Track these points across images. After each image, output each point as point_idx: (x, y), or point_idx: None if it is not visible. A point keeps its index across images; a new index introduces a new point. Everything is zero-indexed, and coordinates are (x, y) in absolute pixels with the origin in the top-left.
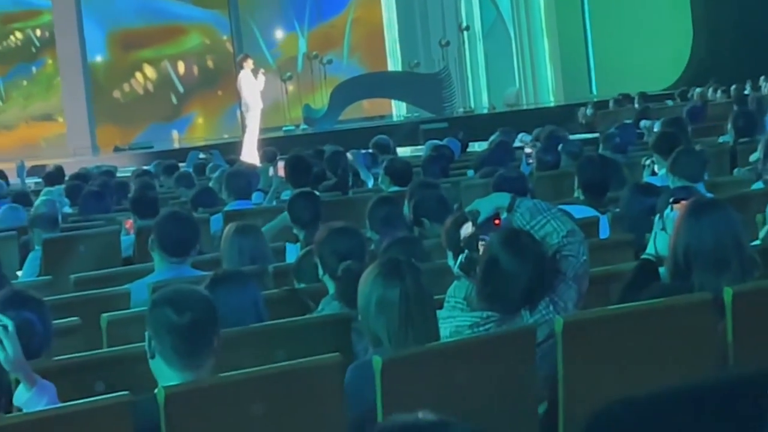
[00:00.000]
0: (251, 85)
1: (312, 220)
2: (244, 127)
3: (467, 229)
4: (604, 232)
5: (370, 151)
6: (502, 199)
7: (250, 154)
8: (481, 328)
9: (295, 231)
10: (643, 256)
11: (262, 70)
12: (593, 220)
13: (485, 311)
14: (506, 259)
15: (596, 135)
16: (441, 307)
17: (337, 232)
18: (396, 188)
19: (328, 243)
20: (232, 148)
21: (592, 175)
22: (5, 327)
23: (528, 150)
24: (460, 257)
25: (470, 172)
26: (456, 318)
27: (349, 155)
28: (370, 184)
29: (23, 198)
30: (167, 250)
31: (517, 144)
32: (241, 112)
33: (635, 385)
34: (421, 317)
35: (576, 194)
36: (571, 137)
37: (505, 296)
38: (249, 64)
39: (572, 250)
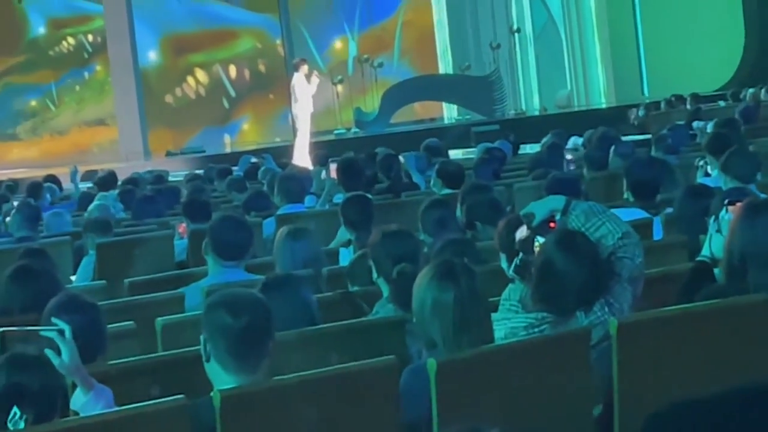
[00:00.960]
0: (304, 88)
1: (364, 224)
2: (295, 131)
3: (522, 232)
4: (658, 233)
5: (422, 153)
6: (557, 201)
7: (302, 158)
8: (536, 330)
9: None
10: (698, 258)
11: (316, 73)
12: (646, 222)
13: (540, 312)
14: (561, 260)
15: (648, 136)
16: (495, 310)
17: (392, 236)
18: (448, 191)
19: (382, 246)
20: (284, 151)
21: (641, 176)
22: (61, 332)
23: (569, 156)
24: (515, 260)
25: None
26: (511, 320)
27: (400, 158)
28: (422, 186)
29: (85, 201)
30: (221, 253)
31: (569, 146)
32: (293, 116)
33: (691, 388)
34: (476, 320)
35: (626, 196)
36: (623, 138)
37: (560, 298)
38: (304, 68)
39: (627, 252)
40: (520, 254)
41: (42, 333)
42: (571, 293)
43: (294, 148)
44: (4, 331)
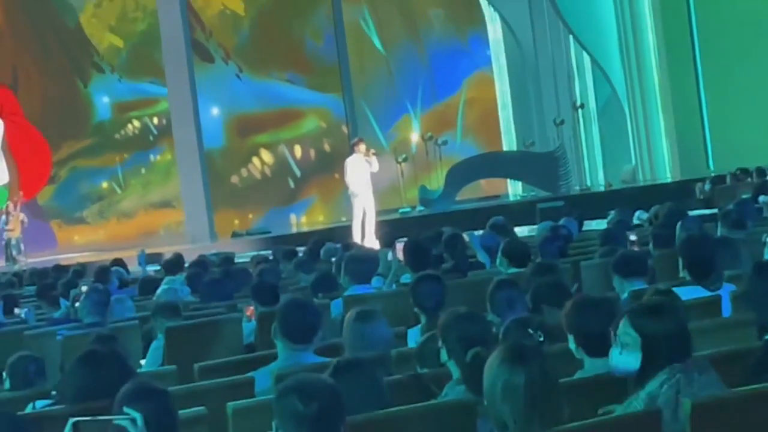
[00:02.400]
0: (359, 169)
1: (436, 305)
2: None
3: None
4: (726, 311)
5: (487, 231)
6: None
7: (357, 236)
8: (672, 381)
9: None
10: None
11: (372, 151)
12: (712, 300)
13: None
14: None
15: (715, 211)
16: (565, 391)
17: (463, 318)
18: (514, 270)
19: (453, 329)
20: (350, 231)
21: (695, 254)
22: (134, 420)
23: (633, 237)
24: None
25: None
26: (646, 387)
27: (465, 236)
28: (488, 265)
29: (146, 285)
30: (291, 337)
31: (635, 222)
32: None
33: None
34: (547, 402)
35: (681, 275)
36: (690, 213)
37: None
38: (360, 148)
39: None
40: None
41: (115, 422)
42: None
43: (352, 227)
44: (77, 421)
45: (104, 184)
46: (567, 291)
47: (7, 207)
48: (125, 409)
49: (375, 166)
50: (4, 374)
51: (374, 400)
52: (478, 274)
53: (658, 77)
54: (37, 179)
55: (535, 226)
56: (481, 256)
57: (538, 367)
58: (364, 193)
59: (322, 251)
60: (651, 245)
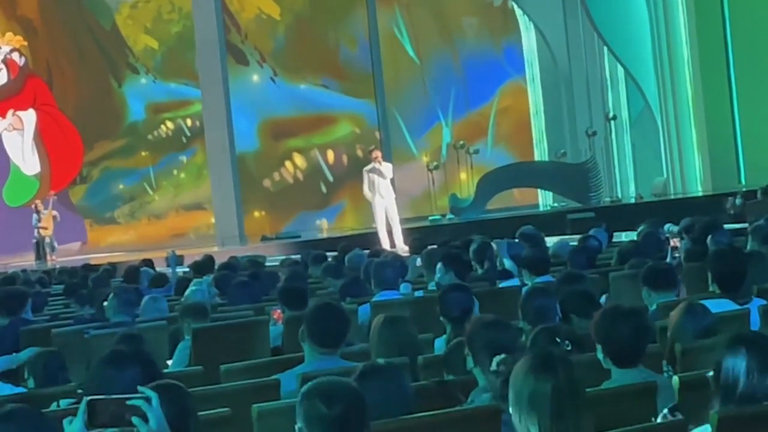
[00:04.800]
0: (373, 177)
1: (462, 315)
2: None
3: None
4: (755, 324)
5: (514, 240)
6: None
7: (384, 243)
8: None
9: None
10: None
11: (379, 158)
12: (741, 313)
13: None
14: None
15: (745, 225)
16: (592, 401)
17: (489, 326)
18: (538, 279)
19: (480, 336)
20: (377, 238)
21: (724, 267)
22: (148, 399)
23: (674, 243)
24: None
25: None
26: None
27: (493, 245)
28: (515, 274)
29: (181, 286)
30: (318, 341)
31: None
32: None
33: None
34: (574, 411)
35: (711, 288)
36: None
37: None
38: (375, 155)
39: None
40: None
41: (129, 402)
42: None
43: (378, 234)
44: (92, 399)
45: (136, 185)
46: (595, 301)
47: (36, 206)
48: (140, 389)
49: (387, 172)
50: (26, 372)
51: (399, 405)
52: (506, 284)
53: (691, 90)
54: (68, 170)
55: (565, 236)
56: (509, 265)
57: (565, 376)
58: (382, 200)
59: (348, 257)
60: (682, 258)
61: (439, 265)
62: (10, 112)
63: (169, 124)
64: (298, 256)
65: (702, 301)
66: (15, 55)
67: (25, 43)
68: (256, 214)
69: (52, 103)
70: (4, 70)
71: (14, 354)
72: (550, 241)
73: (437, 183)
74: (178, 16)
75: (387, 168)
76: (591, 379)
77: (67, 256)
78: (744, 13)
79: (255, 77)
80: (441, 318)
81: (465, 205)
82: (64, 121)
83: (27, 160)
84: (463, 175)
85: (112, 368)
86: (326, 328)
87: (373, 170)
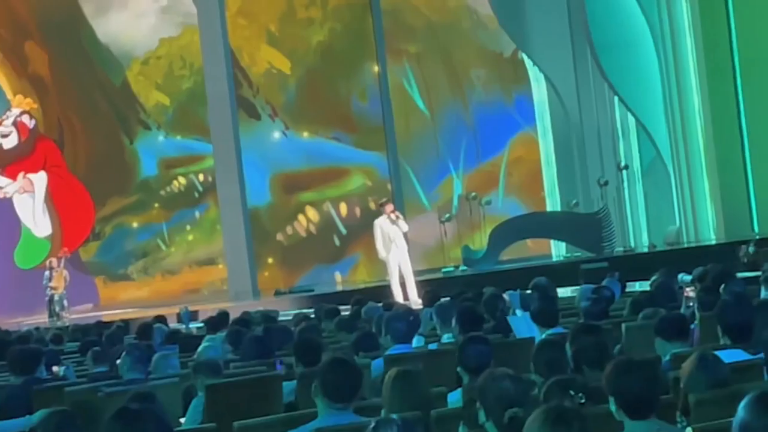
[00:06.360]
0: (386, 229)
1: (480, 366)
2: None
3: None
4: None
5: (526, 292)
6: None
7: (397, 295)
8: None
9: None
10: None
11: (395, 212)
12: (754, 363)
13: None
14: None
15: (759, 273)
16: None
17: (501, 378)
18: (548, 330)
19: (491, 389)
20: (389, 291)
21: (731, 318)
22: None
23: (687, 293)
24: None
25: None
26: None
27: (505, 296)
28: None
29: (190, 342)
30: (331, 396)
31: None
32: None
33: None
34: None
35: (722, 341)
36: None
37: None
38: (387, 209)
39: None
40: None
41: None
42: None
43: (391, 287)
44: None
45: (149, 241)
46: (608, 352)
47: (50, 263)
48: None
49: (403, 226)
50: None
51: None
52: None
53: (702, 139)
54: (79, 232)
55: (577, 287)
56: (521, 316)
57: (579, 429)
58: (395, 253)
59: (363, 310)
60: (696, 307)
61: (453, 323)
62: (20, 175)
63: (182, 180)
64: (311, 311)
65: (715, 352)
66: (25, 118)
67: (35, 106)
68: (270, 268)
69: (62, 164)
70: (15, 133)
71: (27, 417)
72: (563, 292)
73: (450, 234)
74: (189, 71)
75: (402, 221)
76: (604, 431)
77: (78, 313)
78: (754, 62)
79: (267, 131)
80: (458, 369)
81: (478, 257)
82: (75, 182)
83: (38, 223)
84: (475, 227)
85: (121, 426)
86: (339, 383)
87: (386, 223)
